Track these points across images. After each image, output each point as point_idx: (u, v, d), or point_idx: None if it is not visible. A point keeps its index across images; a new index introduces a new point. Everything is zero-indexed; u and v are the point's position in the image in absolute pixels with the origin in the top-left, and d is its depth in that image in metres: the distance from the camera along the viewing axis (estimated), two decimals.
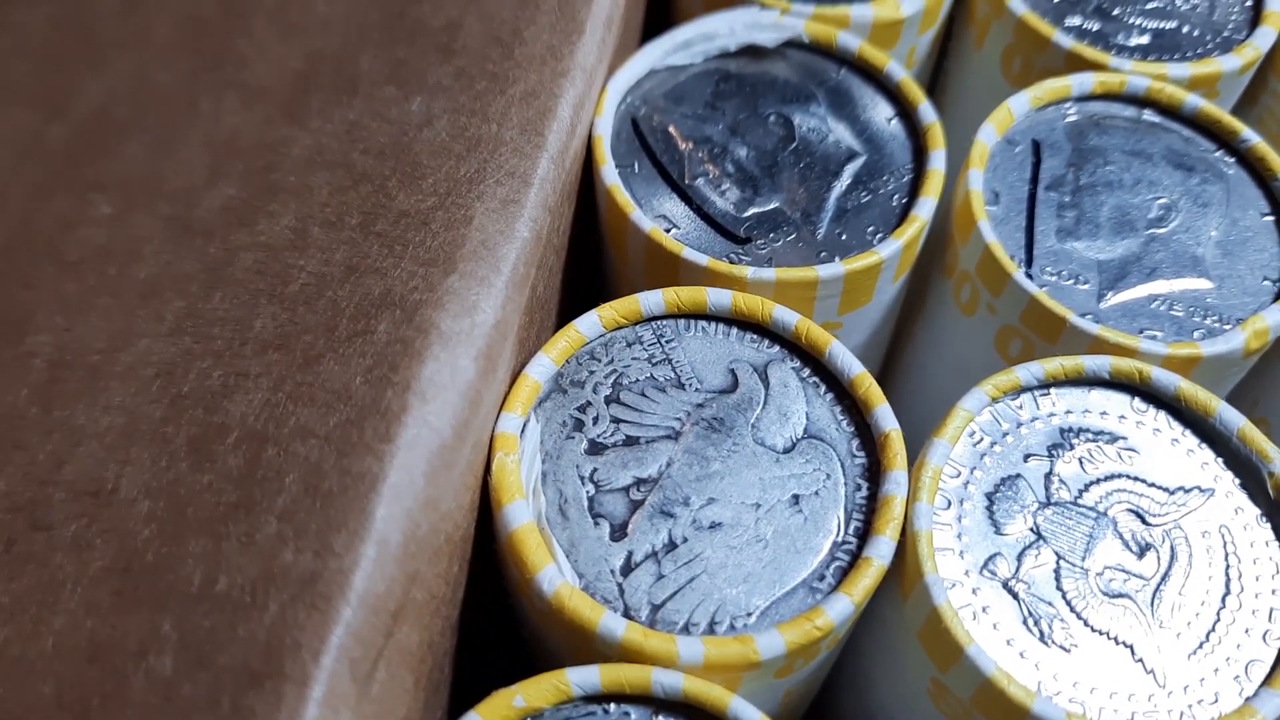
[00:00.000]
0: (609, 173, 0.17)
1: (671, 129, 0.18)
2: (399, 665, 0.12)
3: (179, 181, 0.16)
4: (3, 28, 0.18)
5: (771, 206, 0.17)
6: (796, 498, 0.14)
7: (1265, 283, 0.17)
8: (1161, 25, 0.20)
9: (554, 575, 0.13)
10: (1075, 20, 0.20)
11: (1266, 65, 0.21)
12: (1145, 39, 0.20)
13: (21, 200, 0.16)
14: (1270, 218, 0.18)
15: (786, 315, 0.15)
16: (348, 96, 0.16)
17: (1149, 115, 0.19)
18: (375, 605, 0.11)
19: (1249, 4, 0.20)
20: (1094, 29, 0.20)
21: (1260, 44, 0.20)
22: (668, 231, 0.17)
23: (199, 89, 0.17)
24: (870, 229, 0.17)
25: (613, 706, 0.13)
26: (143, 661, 0.11)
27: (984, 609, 0.14)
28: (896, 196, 0.17)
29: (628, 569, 0.14)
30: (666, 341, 0.15)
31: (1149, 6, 0.20)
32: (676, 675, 0.13)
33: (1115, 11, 0.20)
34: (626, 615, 0.13)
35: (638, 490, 0.14)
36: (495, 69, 0.16)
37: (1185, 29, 0.20)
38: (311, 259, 0.14)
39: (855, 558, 0.14)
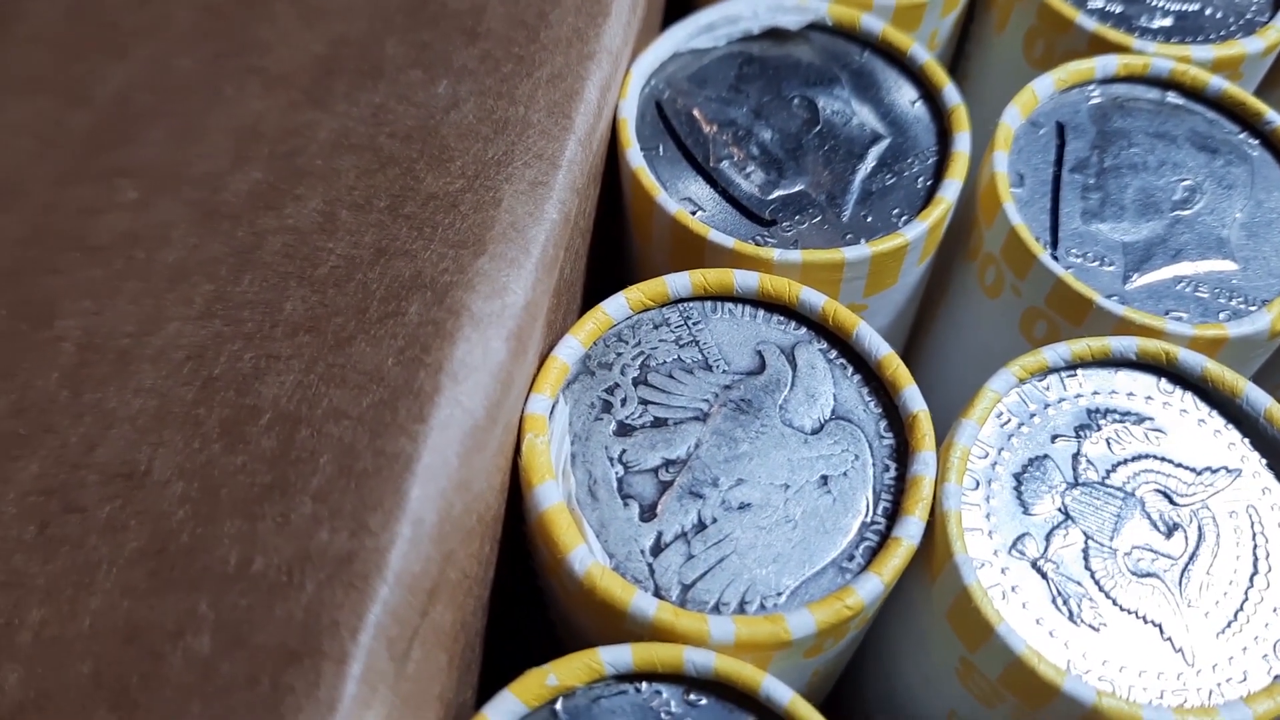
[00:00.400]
0: (634, 155, 0.17)
1: (695, 112, 0.18)
2: (434, 644, 0.12)
3: (204, 167, 0.16)
4: (20, 16, 0.18)
5: (796, 189, 0.17)
6: (825, 478, 0.14)
7: None
8: (1184, 7, 0.20)
9: (585, 555, 0.13)
10: (1098, 3, 0.20)
11: None
12: (1168, 21, 0.20)
13: (46, 187, 0.16)
14: None
15: (813, 297, 0.15)
16: (372, 81, 0.16)
17: (1173, 97, 0.19)
18: (411, 584, 0.11)
19: None
20: (1117, 11, 0.20)
21: None
22: (693, 214, 0.17)
23: (221, 75, 0.17)
24: (895, 211, 0.17)
25: (645, 685, 0.13)
26: (180, 641, 0.11)
27: (1013, 588, 0.14)
28: (921, 179, 0.17)
29: (658, 549, 0.14)
30: (693, 323, 0.15)
31: None
32: (708, 654, 0.13)
33: None
34: (657, 595, 0.13)
35: (666, 471, 0.14)
36: (521, 52, 0.16)
37: (1208, 11, 0.20)
38: (340, 242, 0.14)
39: (884, 538, 0.14)
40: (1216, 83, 0.19)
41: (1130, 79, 0.19)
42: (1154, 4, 0.20)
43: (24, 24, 0.18)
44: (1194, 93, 0.19)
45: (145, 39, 0.18)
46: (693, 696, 0.13)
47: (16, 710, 0.11)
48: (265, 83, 0.17)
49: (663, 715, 0.13)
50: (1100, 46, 0.19)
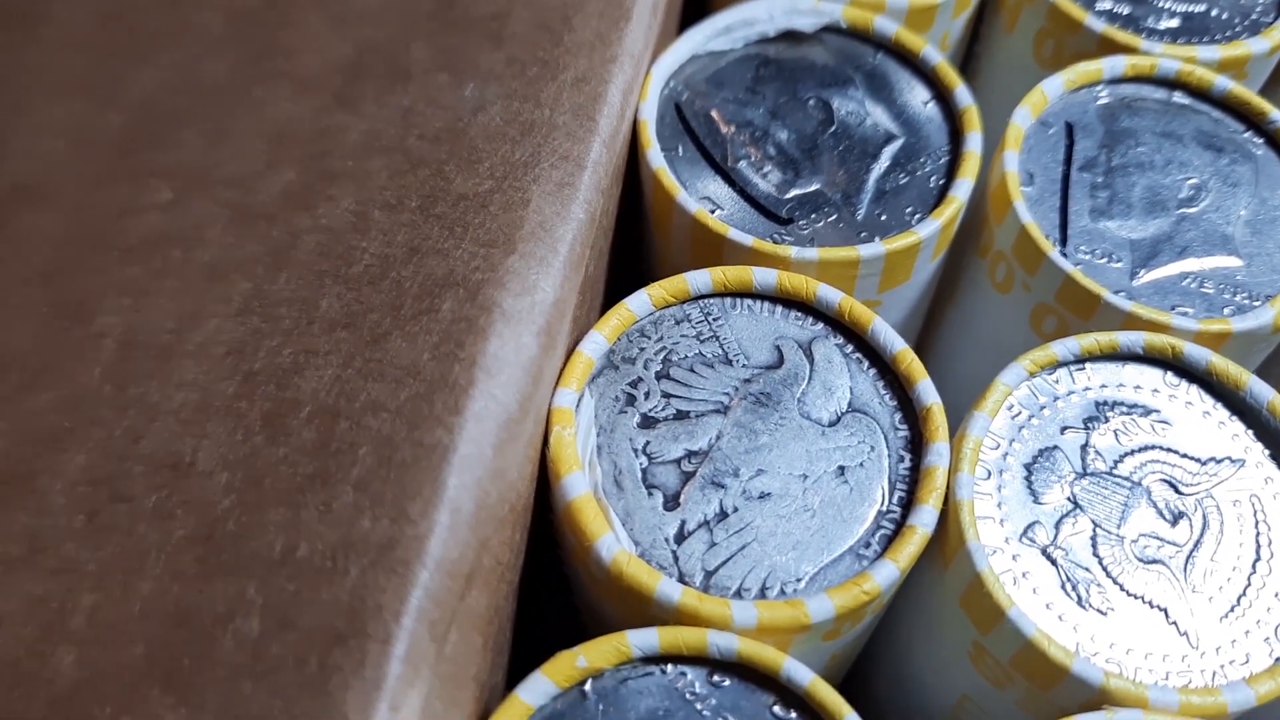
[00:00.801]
0: (655, 156, 0.17)
1: (714, 113, 0.18)
2: (470, 627, 0.13)
3: (236, 168, 0.16)
4: (48, 19, 0.19)
5: (813, 188, 0.17)
6: (842, 469, 0.15)
7: None
8: (1191, 8, 0.20)
9: (611, 543, 0.14)
10: (1106, 4, 0.20)
11: None
12: (1175, 22, 0.20)
13: (82, 187, 0.16)
14: None
15: (830, 293, 0.16)
16: (400, 84, 0.17)
17: (1179, 97, 0.19)
18: (450, 570, 0.12)
19: None
20: (1125, 12, 0.20)
21: None
22: (712, 213, 0.17)
23: (250, 78, 0.17)
24: (909, 210, 0.17)
25: (670, 667, 0.13)
26: (230, 623, 0.12)
27: (1024, 574, 0.14)
28: (934, 178, 0.18)
29: (681, 537, 0.14)
30: (714, 319, 0.16)
31: None
32: (731, 637, 0.13)
33: None
34: (681, 581, 0.14)
35: (689, 462, 0.15)
36: (545, 56, 0.16)
37: (1214, 12, 0.20)
38: (374, 241, 0.15)
39: (900, 526, 0.14)
40: (1222, 82, 0.19)
41: (1138, 79, 0.19)
42: (1161, 5, 0.20)
43: (51, 27, 0.18)
44: (1200, 92, 0.19)
45: (173, 42, 0.18)
46: (716, 678, 0.13)
47: (73, 690, 0.12)
48: (294, 86, 0.17)
49: (687, 696, 0.13)
50: (1108, 47, 0.20)
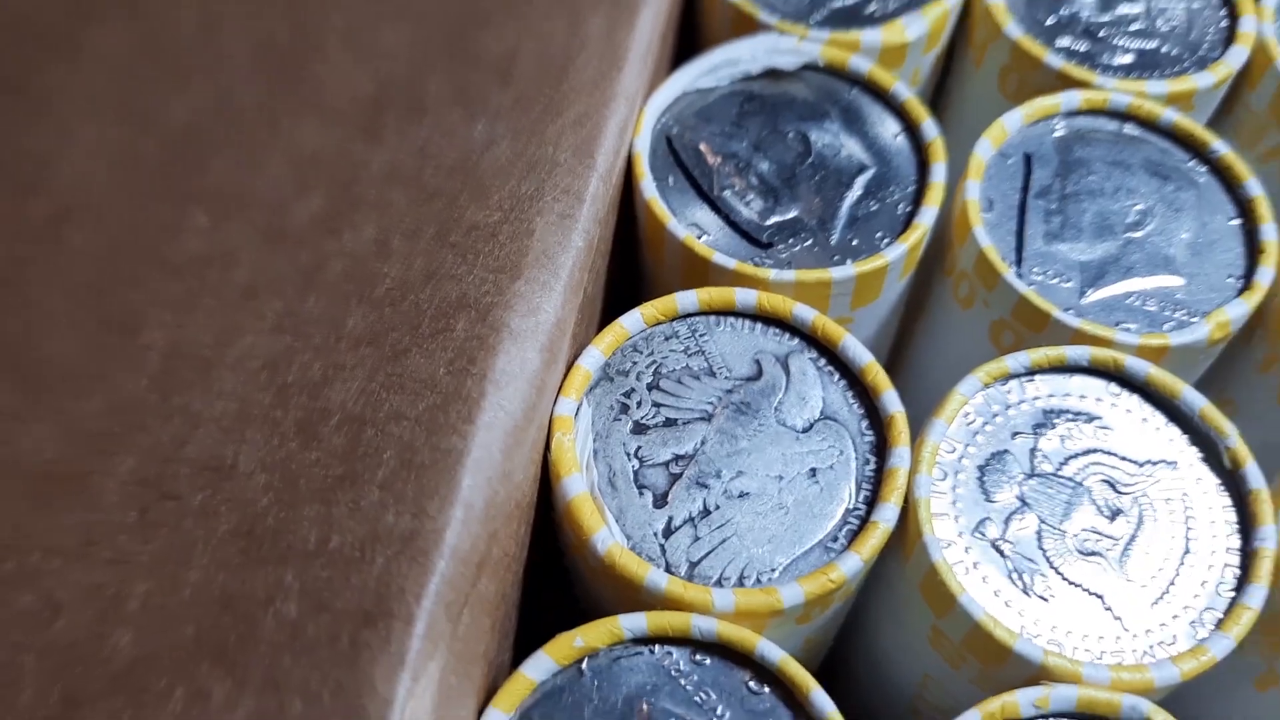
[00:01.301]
0: (648, 186, 0.19)
1: (702, 146, 0.20)
2: (480, 611, 0.14)
3: (268, 195, 0.17)
4: (81, 48, 0.19)
5: (791, 215, 0.19)
6: (814, 471, 0.16)
7: (1229, 280, 0.19)
8: (1144, 45, 0.22)
9: (606, 537, 0.15)
10: (1065, 42, 0.22)
11: (1240, 80, 0.22)
12: (1129, 58, 0.22)
13: (124, 209, 0.17)
14: (1236, 221, 0.20)
15: (805, 312, 0.17)
16: (418, 118, 0.18)
17: (1130, 129, 0.21)
18: (463, 559, 0.13)
19: (1224, 25, 0.22)
20: (1082, 50, 0.22)
21: (1233, 62, 0.21)
22: (699, 238, 0.19)
23: (279, 109, 0.18)
24: (879, 235, 0.19)
25: (658, 647, 0.15)
26: (271, 607, 0.13)
27: (975, 565, 0.16)
28: (902, 205, 0.19)
29: (668, 532, 0.16)
30: (700, 335, 0.18)
31: (1132, 29, 0.22)
32: (712, 621, 0.15)
33: (1102, 34, 0.22)
34: (668, 571, 0.15)
35: (676, 465, 0.16)
36: (550, 96, 0.18)
37: (1165, 49, 0.22)
38: (394, 266, 0.16)
39: (864, 522, 0.16)
40: (1169, 115, 0.20)
41: (1092, 112, 0.21)
42: (1116, 43, 0.22)
43: (89, 55, 0.19)
44: (1149, 124, 0.21)
45: (206, 73, 0.19)
46: (699, 657, 0.15)
47: (130, 666, 0.13)
48: (320, 116, 0.18)
49: (673, 672, 0.15)
50: (1066, 82, 0.21)
